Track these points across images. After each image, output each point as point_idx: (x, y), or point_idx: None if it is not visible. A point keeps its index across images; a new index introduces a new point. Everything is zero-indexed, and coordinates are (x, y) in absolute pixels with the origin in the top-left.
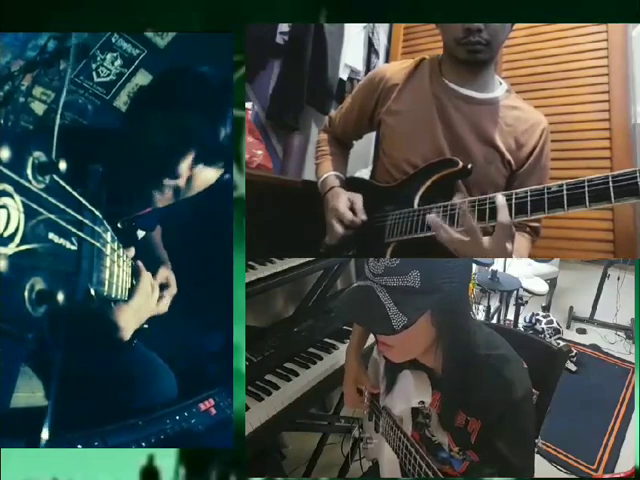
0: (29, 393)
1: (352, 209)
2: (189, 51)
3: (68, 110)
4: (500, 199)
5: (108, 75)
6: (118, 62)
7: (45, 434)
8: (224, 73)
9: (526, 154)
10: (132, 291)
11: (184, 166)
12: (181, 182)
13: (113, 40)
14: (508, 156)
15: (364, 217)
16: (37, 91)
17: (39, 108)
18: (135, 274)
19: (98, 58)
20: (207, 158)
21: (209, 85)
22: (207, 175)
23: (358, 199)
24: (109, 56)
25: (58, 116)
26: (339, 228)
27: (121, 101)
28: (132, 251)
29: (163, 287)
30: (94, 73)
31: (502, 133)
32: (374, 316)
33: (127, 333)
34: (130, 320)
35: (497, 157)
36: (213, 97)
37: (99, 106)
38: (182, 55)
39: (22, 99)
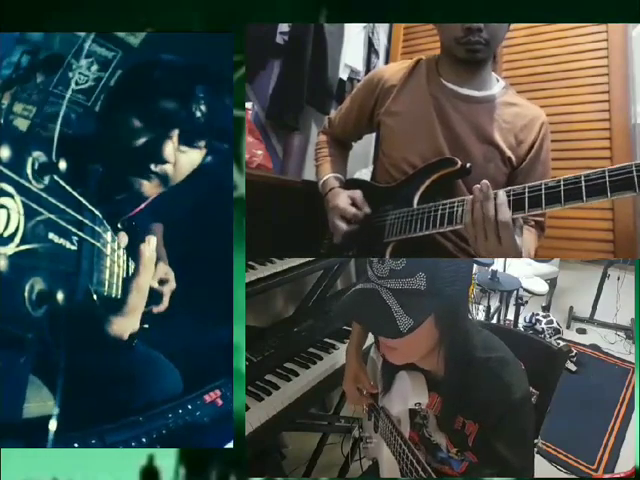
0: (40, 403)
1: (354, 204)
2: (162, 47)
3: (52, 122)
4: (501, 195)
5: (86, 81)
6: (94, 67)
7: (51, 434)
8: (189, 56)
9: (526, 150)
10: (128, 289)
11: (169, 149)
12: (169, 167)
13: (86, 46)
14: (509, 153)
15: (367, 209)
16: (18, 108)
17: (22, 124)
18: (133, 269)
19: (74, 66)
20: (187, 138)
21: (174, 68)
22: (191, 157)
23: (358, 194)
24: (84, 62)
25: (58, 123)
26: (342, 225)
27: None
28: (123, 238)
29: (163, 282)
30: (72, 81)
31: (501, 130)
32: (380, 319)
33: (125, 335)
34: (127, 323)
35: (497, 155)
36: (181, 79)
37: (82, 113)
38: (158, 51)
39: (2, 119)
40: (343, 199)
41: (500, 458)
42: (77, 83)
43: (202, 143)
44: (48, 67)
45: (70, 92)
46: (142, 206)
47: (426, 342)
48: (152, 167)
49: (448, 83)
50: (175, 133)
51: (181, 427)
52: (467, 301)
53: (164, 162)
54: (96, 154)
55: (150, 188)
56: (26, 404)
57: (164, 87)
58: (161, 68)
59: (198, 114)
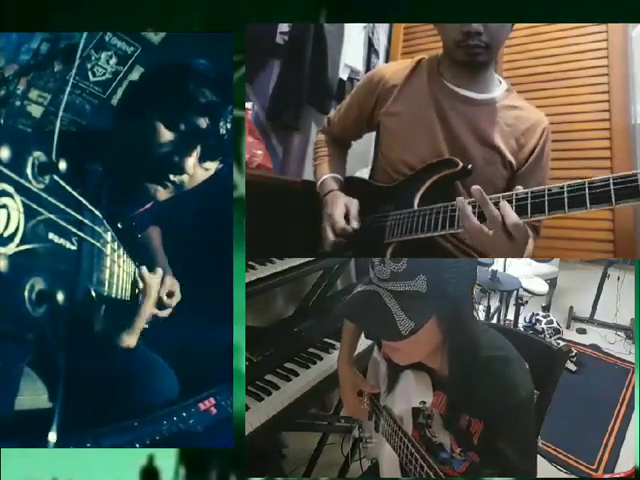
0: (33, 396)
1: (346, 216)
2: (184, 46)
3: (66, 111)
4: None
5: (104, 74)
6: (113, 60)
7: (52, 436)
8: (219, 66)
9: (527, 154)
10: (136, 297)
11: (190, 163)
12: (185, 177)
13: (107, 39)
14: (509, 157)
15: (356, 225)
16: (33, 94)
17: (36, 111)
18: (136, 281)
19: (93, 57)
20: (209, 154)
21: (205, 79)
22: (207, 168)
23: (354, 206)
24: (104, 55)
25: (59, 118)
26: (331, 235)
27: (118, 99)
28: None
29: (170, 295)
30: (89, 73)
31: (502, 134)
32: (381, 322)
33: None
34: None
35: (497, 158)
36: (210, 91)
37: (96, 105)
38: (177, 50)
39: (18, 103)
40: (339, 209)
41: (503, 458)
42: (94, 75)
43: (220, 158)
44: (67, 56)
45: (87, 83)
46: (146, 207)
47: (429, 342)
48: (171, 176)
49: (449, 84)
50: (198, 149)
51: (175, 434)
52: (471, 301)
53: (183, 173)
54: (110, 148)
55: (163, 194)
56: (19, 396)
57: (198, 101)
58: (196, 80)
59: (223, 131)
